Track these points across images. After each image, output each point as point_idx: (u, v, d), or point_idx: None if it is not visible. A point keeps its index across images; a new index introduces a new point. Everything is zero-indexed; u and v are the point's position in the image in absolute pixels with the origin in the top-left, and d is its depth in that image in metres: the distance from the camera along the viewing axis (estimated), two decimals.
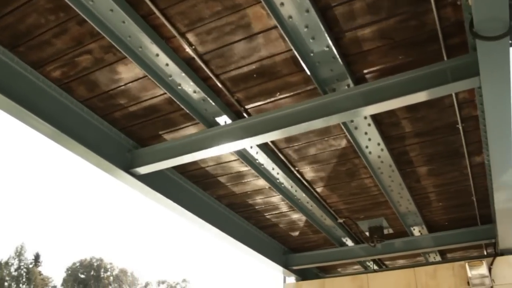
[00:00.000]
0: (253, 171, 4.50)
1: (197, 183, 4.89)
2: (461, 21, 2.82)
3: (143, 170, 3.93)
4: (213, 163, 4.55)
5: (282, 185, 4.88)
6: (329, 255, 6.58)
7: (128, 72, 3.35)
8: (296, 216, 5.66)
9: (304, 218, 5.57)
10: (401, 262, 7.48)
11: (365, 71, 3.33)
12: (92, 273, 68.70)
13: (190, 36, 3.06)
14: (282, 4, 2.75)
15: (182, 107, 3.60)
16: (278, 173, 4.62)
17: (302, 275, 6.97)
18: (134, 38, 3.02)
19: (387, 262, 7.58)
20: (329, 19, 2.89)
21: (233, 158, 4.42)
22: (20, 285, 61.91)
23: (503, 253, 5.60)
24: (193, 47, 3.14)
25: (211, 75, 3.37)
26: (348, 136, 3.93)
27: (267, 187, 4.93)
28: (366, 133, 3.95)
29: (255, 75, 3.39)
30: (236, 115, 3.81)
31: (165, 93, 3.51)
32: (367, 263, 7.31)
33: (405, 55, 3.15)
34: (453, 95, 3.49)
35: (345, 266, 7.57)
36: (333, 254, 6.54)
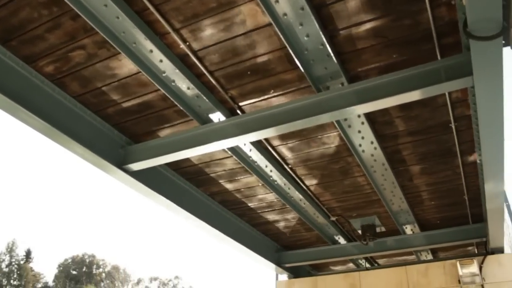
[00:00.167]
0: (246, 168, 4.50)
1: (190, 180, 4.88)
2: (455, 21, 2.83)
3: (136, 166, 3.91)
4: (206, 160, 4.54)
5: (275, 183, 4.88)
6: (321, 253, 6.60)
7: (121, 68, 3.34)
8: (289, 213, 5.66)
9: (297, 215, 5.58)
10: (393, 260, 7.52)
11: (359, 69, 3.34)
12: (84, 269, 68.52)
13: (185, 32, 3.05)
14: (277, 1, 2.75)
15: (176, 103, 3.59)
16: (271, 171, 4.63)
17: (295, 273, 6.99)
18: (128, 34, 3.00)
19: (379, 260, 7.61)
20: (323, 17, 2.89)
21: (226, 155, 4.41)
22: (11, 281, 61.62)
23: (494, 252, 5.65)
24: (188, 43, 3.13)
25: (205, 71, 3.37)
26: (342, 134, 3.94)
27: (260, 184, 4.93)
28: (359, 132, 3.96)
29: (249, 72, 3.38)
30: (229, 112, 3.80)
31: (159, 90, 3.50)
32: (359, 261, 7.35)
33: (399, 54, 3.16)
34: (446, 94, 3.51)
35: (337, 264, 7.59)
36: (326, 252, 6.56)
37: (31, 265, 64.89)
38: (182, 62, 3.30)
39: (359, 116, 3.76)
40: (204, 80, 3.49)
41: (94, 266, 69.51)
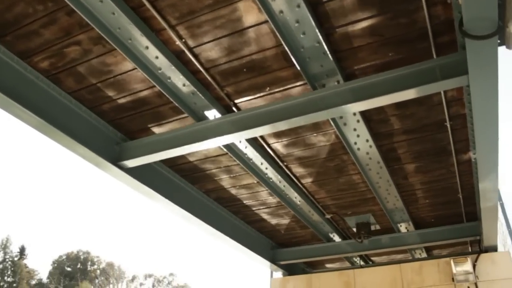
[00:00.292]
0: (241, 165, 4.50)
1: (185, 177, 4.88)
2: (451, 20, 2.84)
3: (131, 163, 3.90)
4: (201, 157, 4.54)
5: (271, 180, 4.88)
6: (316, 250, 6.62)
7: (117, 64, 3.33)
8: (284, 211, 5.67)
9: (292, 213, 5.59)
10: (387, 258, 7.55)
11: (355, 67, 3.34)
12: (78, 266, 68.34)
13: (181, 29, 3.04)
14: None
15: (171, 100, 3.58)
16: (266, 168, 4.63)
17: (289, 270, 7.00)
18: (124, 30, 2.99)
19: (373, 258, 7.64)
20: (320, 15, 2.89)
21: (221, 152, 4.41)
22: (5, 278, 61.39)
23: (487, 250, 5.68)
24: (183, 40, 3.12)
25: (201, 68, 3.36)
26: (337, 132, 3.95)
27: (255, 181, 4.93)
28: (355, 130, 3.96)
29: (245, 70, 3.38)
30: (225, 109, 3.80)
31: (154, 86, 3.49)
32: (354, 258, 7.37)
33: (395, 52, 3.17)
34: (442, 93, 3.52)
35: (332, 261, 7.62)
36: (320, 250, 6.58)
37: (25, 261, 64.65)
38: (178, 58, 3.29)
39: (354, 114, 3.77)
40: (200, 77, 3.49)
41: (89, 263, 69.33)
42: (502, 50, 2.49)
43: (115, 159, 3.90)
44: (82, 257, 69.41)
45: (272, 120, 3.33)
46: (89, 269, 68.81)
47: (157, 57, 3.21)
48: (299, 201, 5.30)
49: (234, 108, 3.78)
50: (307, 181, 5.00)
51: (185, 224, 5.12)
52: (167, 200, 4.47)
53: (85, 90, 3.58)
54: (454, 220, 5.82)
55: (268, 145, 4.35)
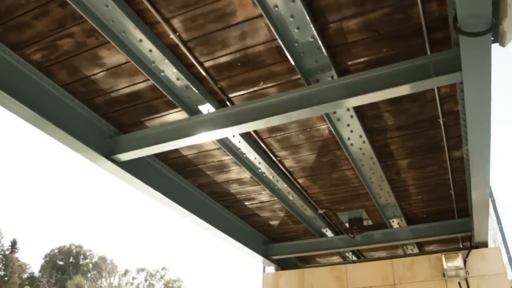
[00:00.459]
0: (235, 160, 4.50)
1: (178, 171, 4.87)
2: (445, 16, 2.85)
3: (124, 156, 3.89)
4: (195, 151, 4.53)
5: (264, 175, 4.89)
6: (308, 245, 6.64)
7: (110, 57, 3.30)
8: (277, 206, 5.68)
9: (285, 208, 5.60)
10: (379, 253, 7.59)
11: (349, 62, 3.34)
12: (71, 260, 68.14)
13: (175, 22, 3.02)
14: None
15: (165, 94, 3.57)
16: (260, 163, 4.63)
17: (282, 265, 7.03)
18: (118, 23, 2.97)
19: (365, 253, 7.68)
20: (314, 10, 2.89)
21: (215, 146, 4.41)
22: None
23: (478, 246, 5.74)
24: (177, 33, 3.11)
25: (194, 62, 3.35)
26: (331, 127, 3.95)
27: (248, 176, 4.93)
28: (348, 125, 3.97)
29: (239, 64, 3.37)
30: (219, 103, 3.79)
31: (148, 80, 3.47)
32: (346, 254, 7.41)
33: (389, 48, 3.17)
34: (435, 89, 3.53)
35: (324, 256, 7.65)
36: (313, 245, 6.60)
37: (17, 255, 64.36)
38: (172, 52, 3.28)
39: (348, 109, 3.77)
40: (193, 71, 3.47)
41: (81, 257, 69.12)
42: (495, 47, 2.50)
43: (108, 153, 3.88)
44: (74, 251, 69.21)
45: (266, 115, 3.32)
46: (81, 263, 68.64)
47: (151, 51, 3.19)
48: (292, 196, 5.31)
49: (228, 103, 3.77)
50: (300, 176, 5.01)
51: (178, 218, 5.12)
52: (159, 194, 4.46)
53: (78, 83, 3.56)
54: (446, 216, 5.86)
55: (262, 139, 4.35)
